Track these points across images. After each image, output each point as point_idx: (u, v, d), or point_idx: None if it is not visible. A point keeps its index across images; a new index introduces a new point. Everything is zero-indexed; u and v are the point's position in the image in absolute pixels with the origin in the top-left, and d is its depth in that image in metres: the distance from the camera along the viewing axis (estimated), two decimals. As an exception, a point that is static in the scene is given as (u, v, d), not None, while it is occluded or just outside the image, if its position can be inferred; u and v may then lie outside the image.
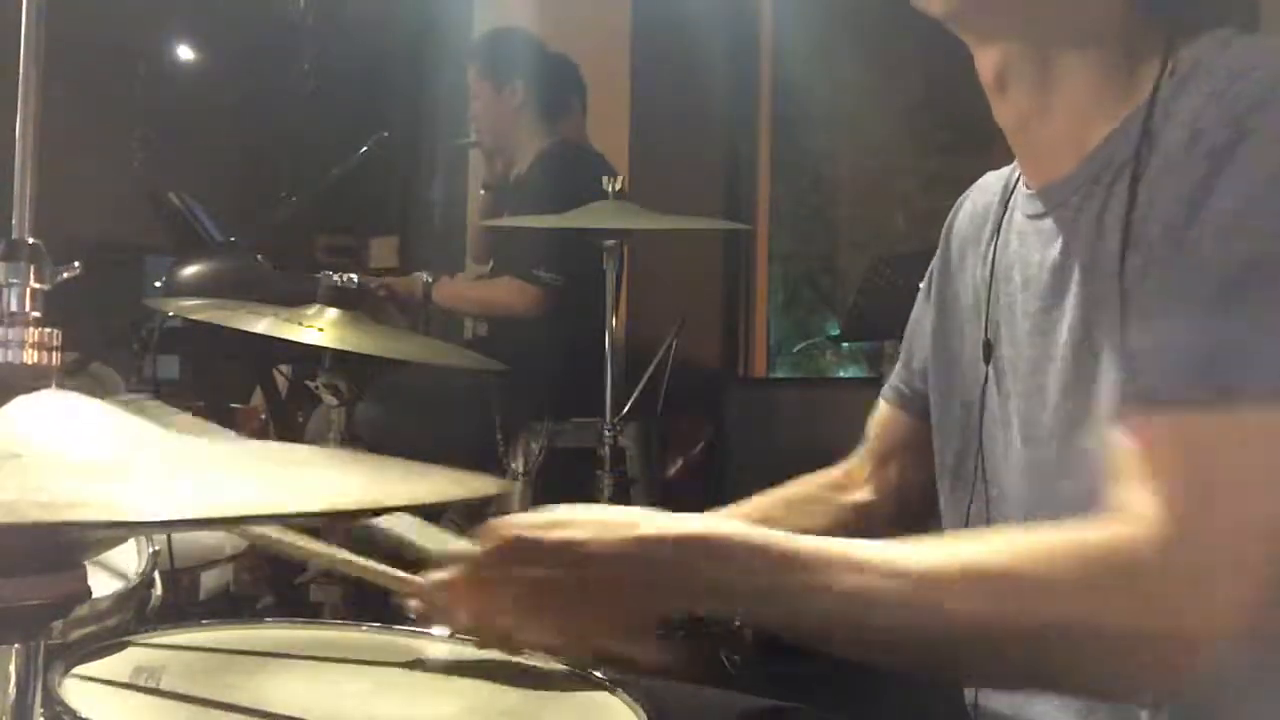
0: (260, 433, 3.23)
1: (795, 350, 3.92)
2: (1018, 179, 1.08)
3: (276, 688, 1.00)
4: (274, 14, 4.89)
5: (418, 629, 1.21)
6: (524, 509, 2.65)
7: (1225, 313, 0.80)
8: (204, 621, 1.17)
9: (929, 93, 3.31)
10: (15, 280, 0.69)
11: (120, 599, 1.10)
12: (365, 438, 2.22)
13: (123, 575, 1.16)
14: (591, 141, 3.14)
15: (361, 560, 1.04)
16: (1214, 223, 0.81)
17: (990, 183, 1.17)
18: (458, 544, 1.02)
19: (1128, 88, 0.94)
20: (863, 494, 1.27)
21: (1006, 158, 1.09)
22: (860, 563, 0.85)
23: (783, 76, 3.87)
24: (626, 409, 2.22)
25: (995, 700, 1.03)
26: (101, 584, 1.07)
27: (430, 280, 2.94)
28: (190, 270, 2.66)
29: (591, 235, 2.24)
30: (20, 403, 0.65)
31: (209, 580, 2.05)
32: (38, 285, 0.69)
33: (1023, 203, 1.04)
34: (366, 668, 1.09)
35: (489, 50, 3.14)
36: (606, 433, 2.10)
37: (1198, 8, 0.95)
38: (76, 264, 0.73)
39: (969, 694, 1.05)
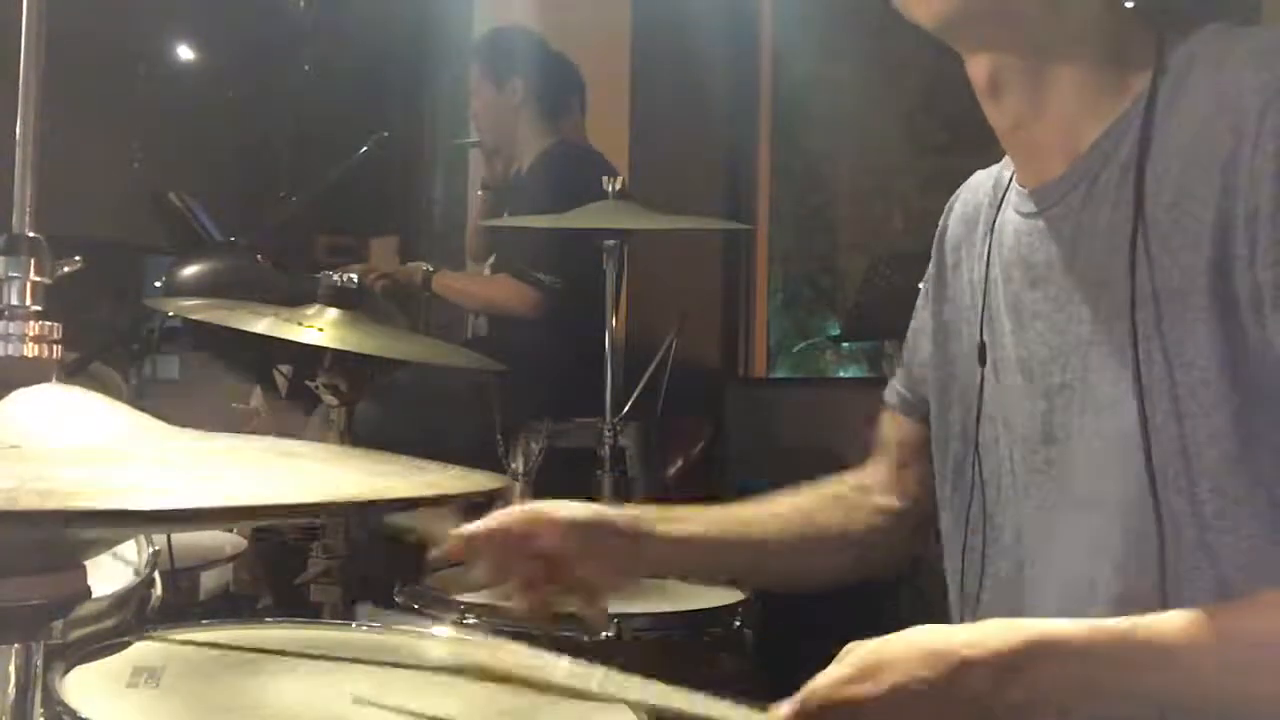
0: (260, 433, 3.23)
1: (795, 350, 3.91)
2: (1010, 177, 1.08)
3: (276, 688, 1.00)
4: (274, 14, 4.89)
5: (418, 629, 1.21)
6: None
7: None
8: (204, 621, 1.17)
9: (929, 93, 3.31)
10: (16, 274, 0.69)
11: (120, 599, 1.10)
12: (365, 437, 2.22)
13: (130, 562, 1.16)
14: (592, 141, 3.14)
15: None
16: None
17: (979, 182, 1.17)
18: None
19: (1118, 88, 0.94)
20: (888, 499, 1.26)
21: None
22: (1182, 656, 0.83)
23: (783, 76, 3.87)
24: (626, 409, 2.22)
25: None
26: (101, 584, 1.07)
27: (431, 270, 2.94)
28: (190, 270, 2.66)
29: (591, 235, 2.23)
30: (20, 395, 0.65)
31: (209, 580, 2.05)
32: (38, 279, 0.69)
33: (1017, 201, 1.04)
34: (366, 668, 1.09)
35: (490, 49, 3.14)
36: (606, 433, 2.10)
37: (1188, 7, 0.95)
38: (78, 258, 0.73)
39: None
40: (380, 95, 4.71)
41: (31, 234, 0.70)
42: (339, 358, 1.93)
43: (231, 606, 2.40)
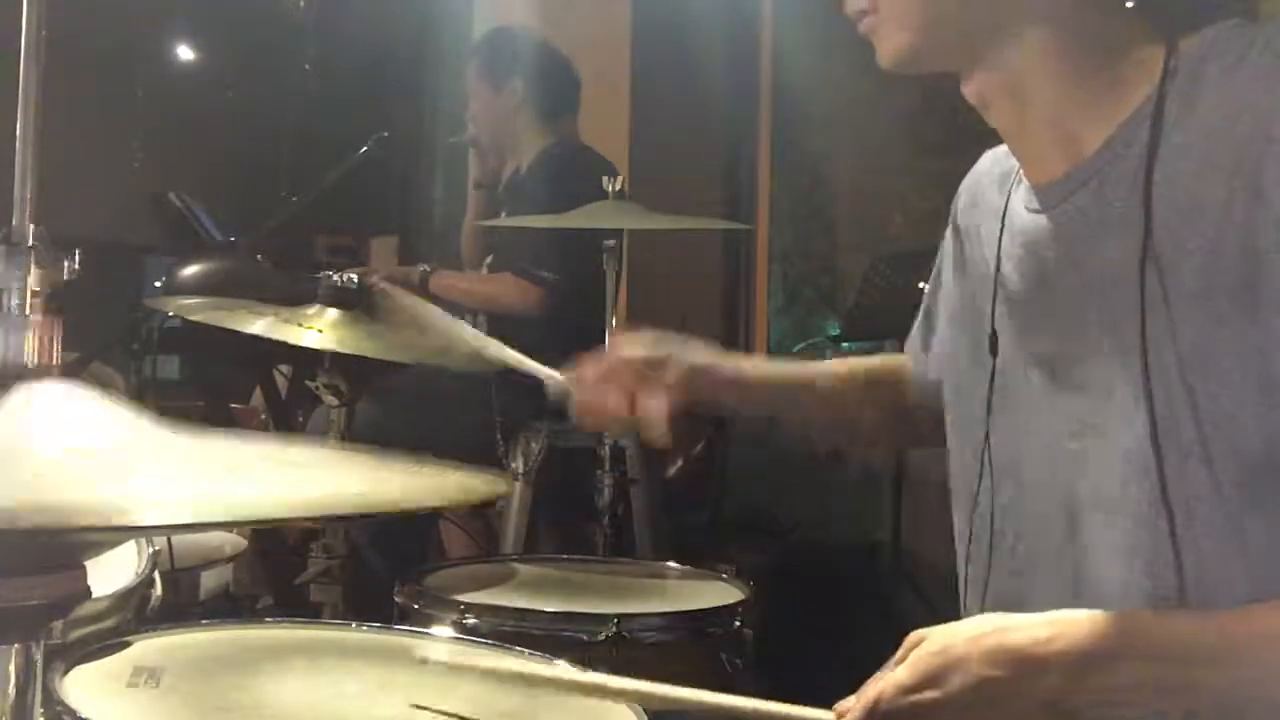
0: (260, 433, 3.23)
1: (795, 350, 3.91)
2: (1017, 169, 1.07)
3: (276, 688, 1.00)
4: (274, 14, 4.89)
5: (418, 629, 1.21)
6: (524, 509, 2.64)
7: None
8: (204, 621, 1.17)
9: (929, 93, 3.31)
10: (16, 277, 0.69)
11: (120, 599, 1.10)
12: (365, 438, 2.22)
13: (130, 562, 1.16)
14: (591, 141, 3.14)
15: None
16: None
17: (986, 168, 1.16)
18: None
19: (1117, 92, 0.93)
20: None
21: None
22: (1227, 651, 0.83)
23: (783, 76, 3.87)
24: (626, 409, 2.21)
25: None
26: (101, 584, 1.07)
27: (428, 270, 2.94)
28: (190, 270, 2.66)
29: (591, 235, 2.23)
30: (20, 397, 0.65)
31: (209, 580, 2.05)
32: (37, 284, 0.69)
33: (1025, 197, 1.04)
34: (366, 668, 1.09)
35: (488, 49, 3.14)
36: (606, 433, 2.10)
37: (1186, 7, 0.94)
38: (77, 262, 0.73)
39: None
40: (380, 95, 4.71)
41: (31, 237, 0.69)
42: (339, 358, 1.93)
43: (231, 606, 2.40)
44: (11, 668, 0.58)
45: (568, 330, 2.65)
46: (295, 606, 2.08)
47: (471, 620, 1.41)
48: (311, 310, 1.87)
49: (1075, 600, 0.94)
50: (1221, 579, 0.87)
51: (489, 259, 3.04)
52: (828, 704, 0.97)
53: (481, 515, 3.01)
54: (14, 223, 0.70)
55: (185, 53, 5.10)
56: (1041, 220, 1.00)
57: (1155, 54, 0.92)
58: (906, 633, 0.93)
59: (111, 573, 1.14)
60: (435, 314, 1.43)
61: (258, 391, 3.16)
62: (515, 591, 1.65)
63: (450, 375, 2.61)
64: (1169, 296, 0.87)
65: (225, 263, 2.72)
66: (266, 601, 2.68)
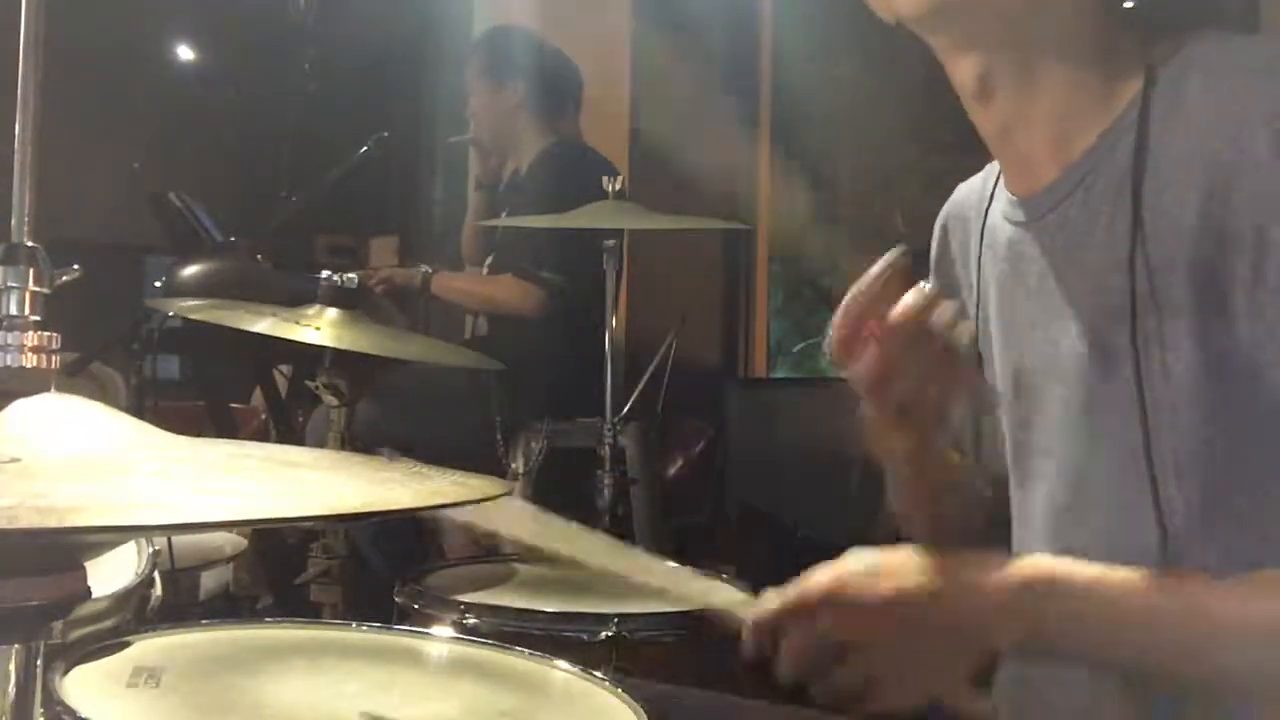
0: (260, 433, 3.23)
1: (795, 350, 3.92)
2: (994, 185, 1.07)
3: (276, 688, 1.00)
4: (274, 14, 4.88)
5: (418, 629, 1.21)
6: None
7: None
8: (204, 621, 1.17)
9: (930, 93, 3.31)
10: (14, 284, 0.69)
11: (120, 599, 1.10)
12: (365, 438, 2.22)
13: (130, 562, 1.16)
14: (592, 141, 3.14)
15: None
16: None
17: (964, 196, 1.16)
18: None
19: (1107, 92, 0.93)
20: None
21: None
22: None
23: (783, 76, 3.87)
24: (626, 409, 2.22)
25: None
26: (101, 584, 1.07)
27: (430, 271, 2.94)
28: (190, 270, 2.66)
29: (591, 235, 2.23)
30: (19, 406, 0.65)
31: (209, 580, 2.05)
32: (37, 289, 0.69)
33: (1007, 209, 1.03)
34: (366, 668, 1.10)
35: (488, 48, 3.14)
36: (606, 433, 2.10)
37: (1179, 12, 0.94)
38: (76, 267, 0.73)
39: None
40: (380, 95, 4.71)
41: (30, 242, 0.69)
42: (339, 358, 1.94)
43: (231, 606, 2.40)
44: (11, 668, 0.59)
45: (568, 330, 2.66)
46: (295, 606, 2.09)
47: (471, 620, 1.42)
48: (311, 310, 1.87)
49: None
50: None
51: (489, 259, 3.04)
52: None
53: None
54: (13, 224, 0.70)
55: (185, 53, 5.10)
56: (1025, 232, 1.00)
57: (1139, 56, 0.92)
58: None
59: (111, 573, 1.14)
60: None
61: (258, 391, 3.16)
62: (515, 591, 1.65)
63: (450, 375, 2.62)
64: (1160, 304, 0.87)
65: (225, 263, 2.73)
66: (266, 601, 2.68)
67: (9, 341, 0.68)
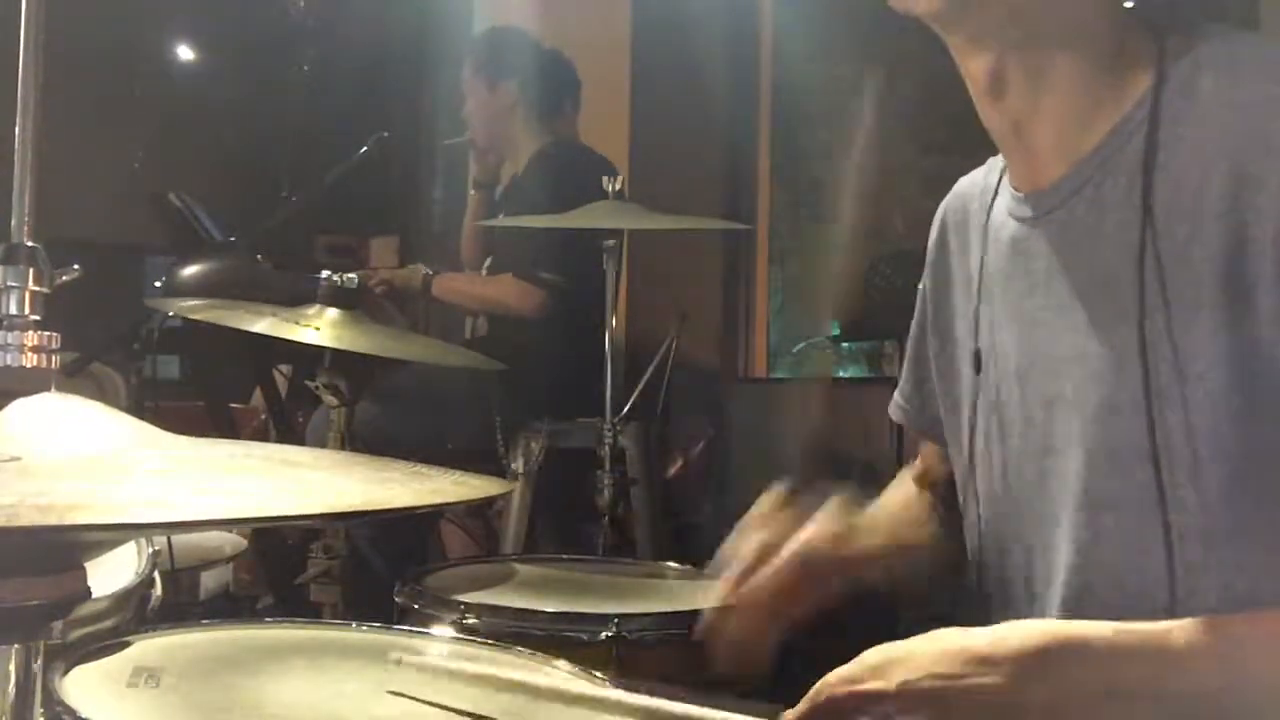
0: (260, 433, 3.23)
1: (795, 350, 3.91)
2: (998, 181, 1.07)
3: (276, 688, 1.00)
4: (274, 14, 4.89)
5: (418, 629, 1.21)
6: (524, 509, 2.63)
7: None
8: (204, 621, 1.17)
9: (929, 93, 3.31)
10: (14, 284, 0.69)
11: (120, 599, 1.10)
12: (365, 438, 2.22)
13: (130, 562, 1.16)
14: (592, 141, 3.14)
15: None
16: None
17: (965, 189, 1.16)
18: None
19: (1117, 89, 0.93)
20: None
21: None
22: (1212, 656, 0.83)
23: (783, 76, 3.87)
24: (626, 409, 2.22)
25: None
26: (101, 584, 1.07)
27: (430, 273, 2.94)
28: (190, 270, 2.66)
29: (591, 235, 2.23)
30: (19, 406, 0.65)
31: (209, 580, 2.05)
32: (36, 288, 0.69)
33: (1012, 205, 1.03)
34: (366, 668, 1.09)
35: (483, 49, 3.14)
36: (606, 433, 2.10)
37: (1182, 9, 0.94)
38: (76, 266, 0.73)
39: None
40: (380, 95, 4.71)
41: (30, 242, 0.69)
42: (339, 358, 1.94)
43: (231, 606, 2.40)
44: (11, 668, 0.59)
45: (568, 330, 2.66)
46: (295, 606, 2.09)
47: (471, 620, 1.41)
48: (311, 310, 1.87)
49: (1075, 615, 0.94)
50: (1213, 587, 0.86)
51: (488, 260, 3.04)
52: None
53: (481, 515, 3.01)
54: (13, 224, 0.70)
55: (185, 53, 5.10)
56: (1031, 229, 1.00)
57: (1148, 54, 0.92)
58: (907, 633, 0.93)
59: (111, 573, 1.14)
60: None
61: (258, 391, 3.16)
62: (515, 591, 1.65)
63: (450, 375, 2.62)
64: (1169, 303, 0.87)
65: (225, 263, 2.73)
66: (266, 601, 2.68)
67: (9, 341, 0.68)
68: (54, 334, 0.70)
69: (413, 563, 1.87)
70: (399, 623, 1.44)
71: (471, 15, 4.35)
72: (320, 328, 1.81)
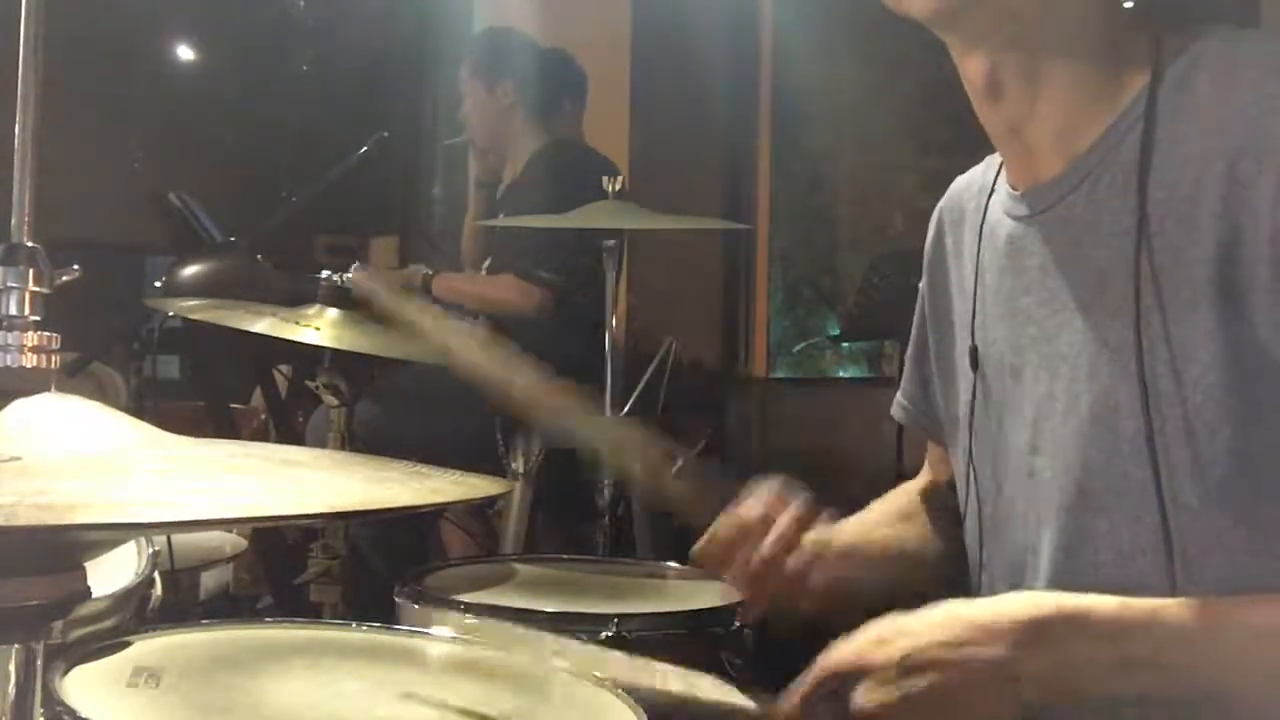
0: (260, 433, 3.23)
1: (795, 350, 3.91)
2: (994, 180, 1.07)
3: (276, 688, 1.00)
4: (274, 14, 4.89)
5: (418, 629, 1.21)
6: (524, 509, 2.63)
7: None
8: (204, 621, 1.17)
9: (929, 92, 3.31)
10: (14, 284, 0.69)
11: (120, 599, 1.10)
12: (365, 438, 2.22)
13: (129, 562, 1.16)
14: (591, 142, 3.14)
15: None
16: None
17: (961, 189, 1.16)
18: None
19: (1114, 87, 0.93)
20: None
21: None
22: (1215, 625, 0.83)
23: (783, 76, 3.87)
24: (626, 409, 2.22)
25: None
26: (101, 584, 1.07)
27: (430, 273, 2.94)
28: (190, 270, 2.66)
29: (591, 235, 2.23)
30: (19, 406, 0.65)
31: (209, 580, 2.05)
32: (36, 289, 0.69)
33: (1008, 204, 1.03)
34: (366, 668, 1.09)
35: (480, 50, 3.14)
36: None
37: (1181, 8, 0.94)
38: (76, 267, 0.73)
39: None
40: (380, 95, 4.71)
41: (30, 242, 0.69)
42: (339, 358, 1.94)
43: (231, 606, 2.40)
44: (11, 668, 0.59)
45: (568, 330, 2.66)
46: (295, 606, 2.09)
47: (471, 620, 1.41)
48: (311, 310, 1.87)
49: None
50: (1213, 587, 0.86)
51: (489, 261, 3.04)
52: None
53: (481, 515, 3.01)
54: (13, 224, 0.70)
55: (185, 53, 5.11)
56: (1027, 227, 1.00)
57: (1144, 52, 0.92)
58: None
59: (111, 573, 1.14)
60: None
61: (258, 391, 3.16)
62: (515, 591, 1.65)
63: (450, 375, 2.61)
64: (1164, 304, 0.87)
65: (225, 263, 2.73)
66: (266, 601, 2.68)
67: (9, 341, 0.68)
68: (54, 334, 0.70)
69: (413, 563, 1.87)
70: (399, 623, 1.43)
71: (471, 15, 4.35)
72: (320, 328, 1.81)
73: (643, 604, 1.63)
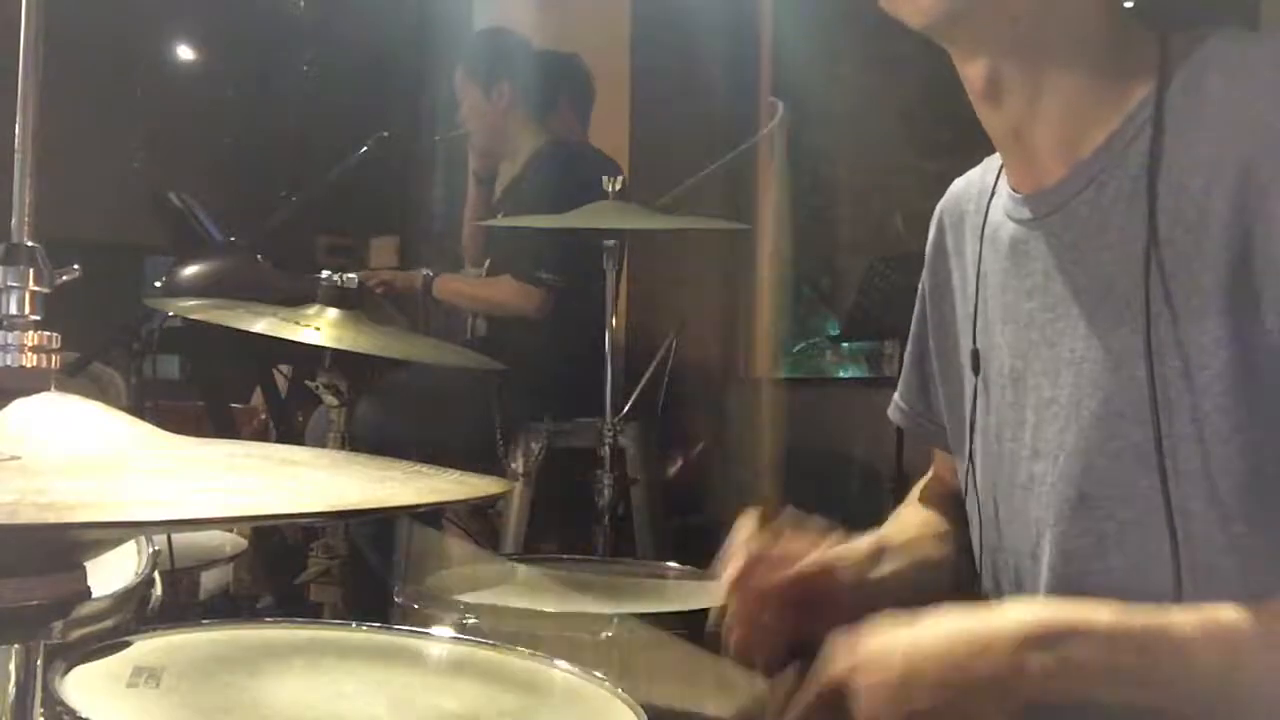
0: (260, 433, 3.23)
1: (795, 350, 3.91)
2: (995, 181, 1.06)
3: (276, 688, 1.00)
4: (274, 14, 4.89)
5: (418, 629, 1.21)
6: (524, 509, 2.63)
7: None
8: (204, 621, 1.17)
9: (929, 93, 3.30)
10: (14, 284, 0.69)
11: (120, 599, 1.10)
12: (365, 438, 2.22)
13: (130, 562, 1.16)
14: (592, 141, 3.13)
15: None
16: None
17: (962, 190, 1.15)
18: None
19: (1118, 92, 0.92)
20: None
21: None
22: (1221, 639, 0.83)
23: (783, 76, 3.87)
24: (626, 409, 2.22)
25: None
26: (101, 584, 1.07)
27: (431, 275, 2.94)
28: (190, 270, 2.66)
29: (591, 235, 2.23)
30: (19, 405, 0.65)
31: (209, 580, 2.05)
32: (37, 288, 0.69)
33: (1010, 206, 1.02)
34: (366, 668, 1.09)
35: (473, 53, 3.14)
36: (606, 433, 2.10)
37: (1189, 11, 0.93)
38: (76, 267, 0.73)
39: None
40: (380, 95, 4.71)
41: (30, 242, 0.69)
42: (339, 358, 1.94)
43: (231, 606, 2.40)
44: (11, 668, 0.59)
45: (568, 330, 2.66)
46: (295, 606, 2.09)
47: (471, 620, 1.41)
48: (311, 310, 1.87)
49: None
50: (1222, 594, 0.85)
51: (488, 261, 3.04)
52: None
53: (481, 515, 3.01)
54: (13, 224, 0.70)
55: (185, 53, 5.11)
56: (1030, 231, 0.99)
57: (1150, 55, 0.91)
58: None
59: (111, 573, 1.14)
60: None
61: (258, 391, 3.17)
62: (515, 591, 1.65)
63: (450, 375, 2.62)
64: (1176, 312, 0.86)
65: (225, 263, 2.73)
66: (266, 601, 2.68)
67: (9, 341, 0.68)
68: (54, 334, 0.70)
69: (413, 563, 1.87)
70: (399, 623, 1.43)
71: (471, 15, 4.35)
72: (320, 328, 1.81)
73: (643, 604, 1.63)
